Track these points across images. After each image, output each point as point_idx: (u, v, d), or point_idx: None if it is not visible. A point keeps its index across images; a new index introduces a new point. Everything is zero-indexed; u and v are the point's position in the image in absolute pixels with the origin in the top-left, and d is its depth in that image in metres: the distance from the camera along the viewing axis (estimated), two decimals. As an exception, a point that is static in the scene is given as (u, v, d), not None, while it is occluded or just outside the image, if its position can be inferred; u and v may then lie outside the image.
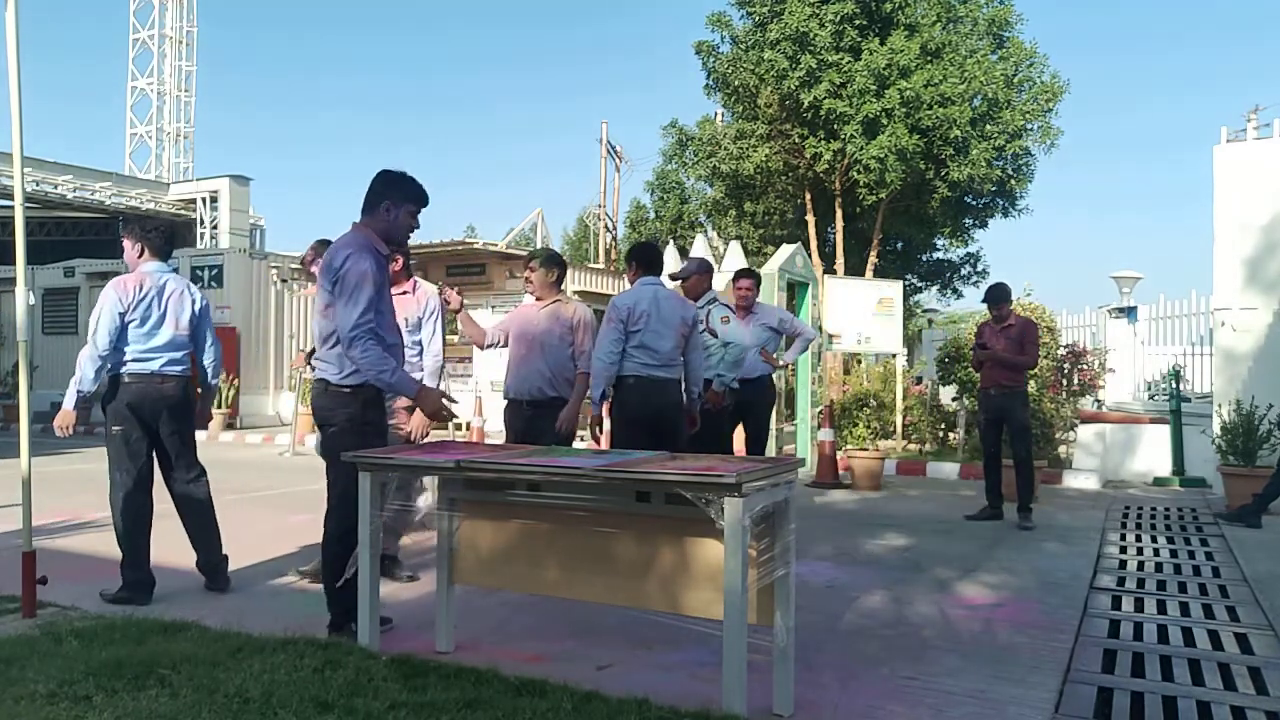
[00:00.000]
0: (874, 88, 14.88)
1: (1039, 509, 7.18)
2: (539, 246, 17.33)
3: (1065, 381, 10.08)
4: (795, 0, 15.26)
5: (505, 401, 5.03)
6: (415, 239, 4.06)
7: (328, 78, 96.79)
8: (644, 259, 5.07)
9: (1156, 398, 12.87)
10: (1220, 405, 8.58)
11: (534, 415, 4.81)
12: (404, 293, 4.71)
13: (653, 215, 28.30)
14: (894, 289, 11.98)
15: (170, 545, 5.28)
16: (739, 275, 6.58)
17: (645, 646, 3.64)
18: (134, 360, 4.35)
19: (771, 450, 7.85)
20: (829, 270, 16.10)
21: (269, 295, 17.30)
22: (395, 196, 3.66)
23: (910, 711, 3.01)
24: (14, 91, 3.76)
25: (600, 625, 3.92)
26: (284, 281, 18.06)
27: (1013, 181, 17.41)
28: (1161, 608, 4.43)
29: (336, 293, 3.51)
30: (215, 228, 24.63)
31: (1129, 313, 13.13)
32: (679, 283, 6.01)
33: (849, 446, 9.24)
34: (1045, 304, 10.70)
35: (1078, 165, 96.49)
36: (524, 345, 4.88)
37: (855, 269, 17.88)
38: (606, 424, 4.89)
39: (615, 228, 30.86)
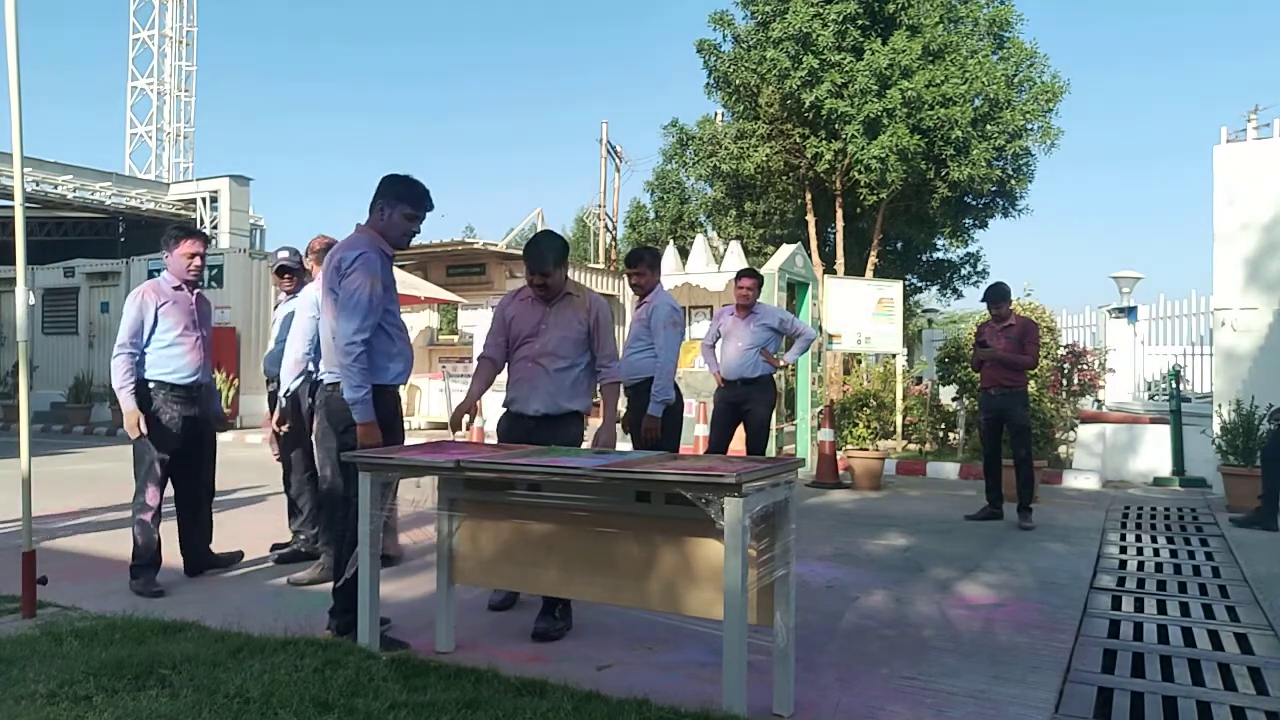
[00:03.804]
0: (875, 88, 14.86)
1: (1039, 509, 7.18)
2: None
3: (1065, 381, 10.08)
4: (799, -1, 15.25)
5: (503, 410, 4.24)
6: (416, 239, 3.99)
7: (327, 79, 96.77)
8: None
9: (1156, 398, 12.88)
10: (1220, 405, 8.58)
11: (537, 427, 4.05)
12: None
13: (653, 215, 28.28)
14: (894, 289, 11.98)
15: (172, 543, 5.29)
16: (740, 275, 6.57)
17: (645, 646, 3.63)
18: None
19: (771, 450, 7.85)
20: (829, 270, 16.09)
21: (269, 295, 17.28)
22: (389, 198, 3.64)
23: (910, 711, 3.01)
24: (14, 91, 3.75)
25: (600, 625, 3.92)
26: (284, 281, 18.02)
27: (1013, 181, 17.41)
28: (1161, 608, 4.43)
29: (340, 296, 3.49)
30: (215, 228, 24.62)
31: (1129, 313, 13.13)
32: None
33: (849, 446, 9.24)
34: (1045, 304, 10.73)
35: (1078, 165, 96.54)
36: (531, 354, 4.06)
37: (855, 269, 17.87)
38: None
39: (615, 228, 30.85)
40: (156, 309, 4.46)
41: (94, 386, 16.70)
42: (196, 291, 4.64)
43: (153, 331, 4.46)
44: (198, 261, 4.57)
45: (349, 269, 3.49)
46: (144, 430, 4.39)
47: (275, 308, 5.57)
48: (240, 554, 5.03)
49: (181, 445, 4.53)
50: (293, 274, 5.38)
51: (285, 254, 5.42)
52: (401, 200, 3.65)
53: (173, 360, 4.48)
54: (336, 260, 3.55)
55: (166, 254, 4.56)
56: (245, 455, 11.87)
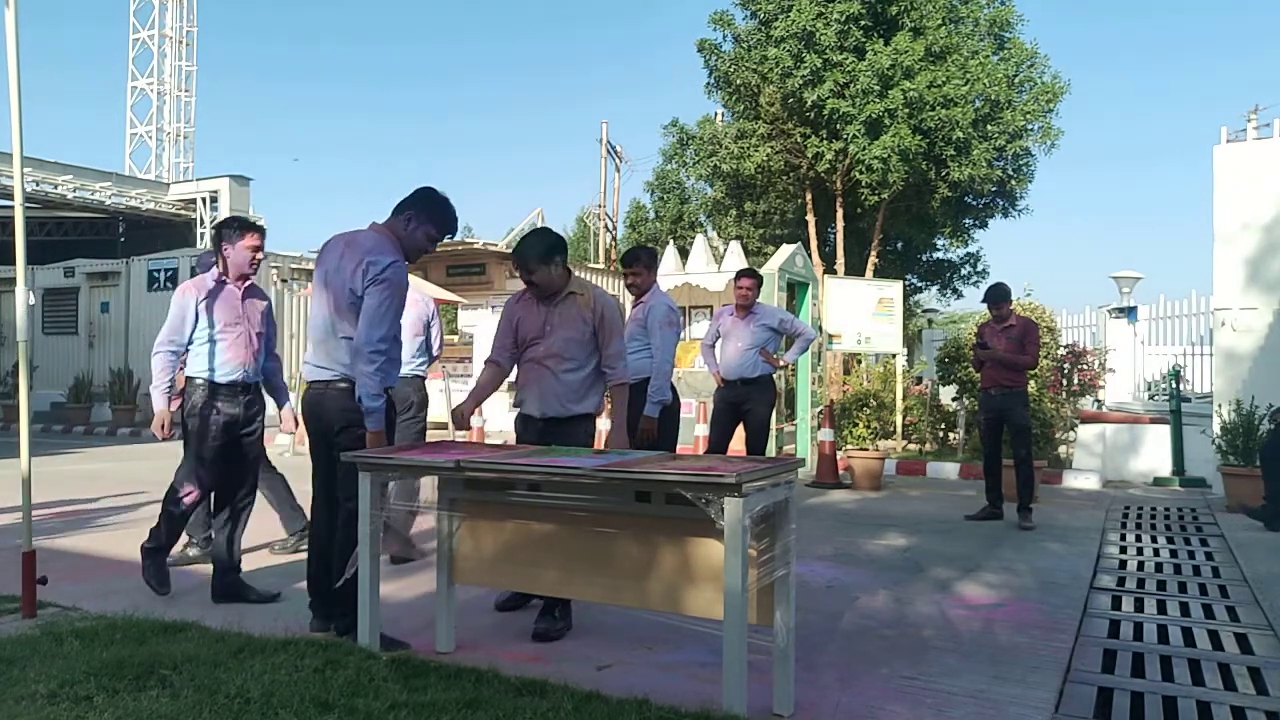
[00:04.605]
0: (877, 88, 14.86)
1: (1039, 509, 7.18)
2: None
3: (1065, 381, 10.09)
4: (803, -2, 15.23)
5: (515, 410, 4.25)
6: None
7: (327, 79, 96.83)
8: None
9: (1156, 398, 12.88)
10: (1220, 405, 8.58)
11: (546, 429, 4.04)
12: None
13: (653, 215, 28.28)
14: (894, 289, 11.98)
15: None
16: (740, 275, 6.58)
17: (645, 646, 3.64)
18: None
19: (771, 450, 7.85)
20: (829, 270, 16.09)
21: (269, 295, 17.30)
22: (420, 213, 3.63)
23: (911, 711, 3.01)
24: (14, 91, 3.76)
25: (600, 625, 3.92)
26: (284, 281, 18.05)
27: (1013, 182, 17.42)
28: (1161, 608, 4.43)
29: (367, 303, 3.44)
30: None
31: (1129, 313, 13.14)
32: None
33: (849, 446, 9.24)
34: (1045, 304, 10.73)
35: (1078, 165, 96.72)
36: (537, 357, 4.01)
37: (855, 269, 17.87)
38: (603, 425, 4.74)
39: (615, 228, 30.85)
40: (197, 305, 4.33)
41: (94, 386, 16.71)
42: (247, 286, 4.49)
43: (194, 328, 4.34)
44: (260, 255, 4.47)
45: (382, 275, 3.44)
46: (167, 432, 4.33)
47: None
48: (278, 595, 4.38)
49: (224, 444, 4.35)
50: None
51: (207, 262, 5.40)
52: (432, 221, 3.65)
53: (213, 357, 4.32)
54: (363, 262, 3.46)
55: (227, 246, 4.37)
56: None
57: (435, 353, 5.69)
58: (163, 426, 4.34)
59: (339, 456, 3.49)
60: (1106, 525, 6.83)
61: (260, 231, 4.51)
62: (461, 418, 3.95)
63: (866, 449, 9.06)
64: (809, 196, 17.90)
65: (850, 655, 3.60)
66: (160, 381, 4.36)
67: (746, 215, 20.08)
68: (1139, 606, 4.46)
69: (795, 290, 10.19)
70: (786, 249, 10.21)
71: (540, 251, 3.91)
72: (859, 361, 14.66)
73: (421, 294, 5.66)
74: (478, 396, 4.08)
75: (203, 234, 24.33)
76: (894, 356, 12.24)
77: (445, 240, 3.84)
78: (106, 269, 18.17)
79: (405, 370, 4.79)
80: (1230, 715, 3.04)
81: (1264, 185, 8.62)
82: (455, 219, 3.72)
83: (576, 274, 4.16)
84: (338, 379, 3.57)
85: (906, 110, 14.83)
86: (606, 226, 30.35)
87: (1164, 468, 9.68)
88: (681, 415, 5.50)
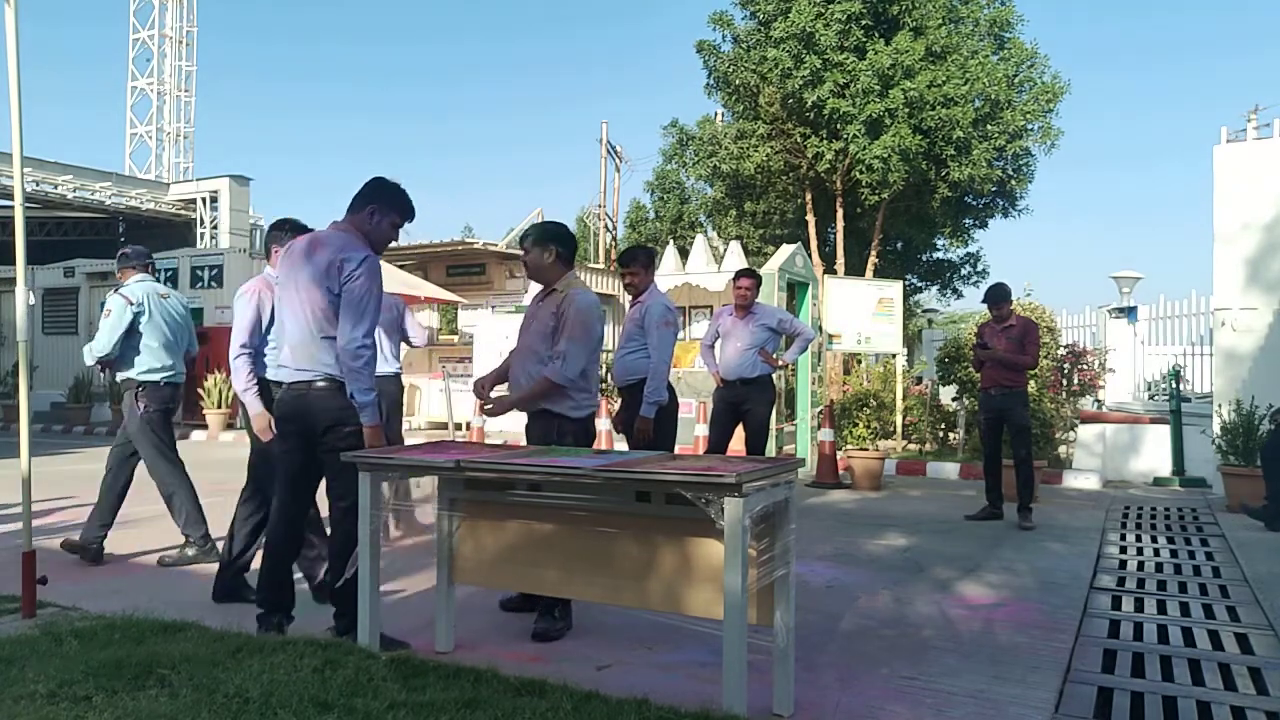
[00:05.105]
0: (878, 88, 14.86)
1: (1039, 509, 7.18)
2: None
3: (1065, 381, 10.09)
4: (802, -1, 15.23)
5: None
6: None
7: (327, 79, 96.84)
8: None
9: (1156, 398, 12.88)
10: (1220, 405, 8.58)
11: (530, 421, 4.17)
12: None
13: (653, 215, 28.29)
14: (894, 289, 11.98)
15: (170, 544, 5.29)
16: (739, 275, 6.57)
17: (645, 646, 3.64)
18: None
19: (771, 450, 7.85)
20: (829, 270, 16.09)
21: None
22: (383, 204, 3.63)
23: (911, 711, 3.01)
24: (14, 91, 3.75)
25: (600, 625, 3.92)
26: (284, 281, 17.98)
27: (1013, 182, 17.42)
28: (1161, 608, 4.43)
29: (346, 300, 3.44)
30: (215, 228, 24.60)
31: (1129, 313, 13.14)
32: None
33: (849, 446, 9.24)
34: (1045, 304, 10.73)
35: (1078, 165, 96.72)
36: (517, 348, 4.21)
37: (855, 269, 17.87)
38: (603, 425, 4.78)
39: (615, 228, 30.85)
40: (273, 306, 4.20)
41: (94, 386, 16.69)
42: None
43: (268, 329, 4.26)
44: None
45: (356, 272, 3.44)
46: (275, 430, 4.08)
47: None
48: None
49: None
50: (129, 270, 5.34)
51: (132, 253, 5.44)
52: (395, 210, 3.66)
53: None
54: (335, 260, 3.46)
55: (277, 248, 4.31)
56: (245, 455, 11.84)
57: (417, 343, 6.06)
58: (268, 426, 4.13)
59: (326, 457, 3.50)
60: (1106, 525, 6.83)
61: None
62: (480, 389, 4.23)
63: (866, 449, 9.05)
64: (809, 196, 17.90)
65: (850, 655, 3.60)
66: (250, 384, 4.26)
67: (746, 215, 20.07)
68: (1139, 606, 4.46)
69: (795, 290, 10.18)
70: (786, 249, 10.21)
71: (539, 234, 4.16)
72: (859, 361, 14.66)
73: (389, 297, 5.51)
74: (497, 375, 4.32)
75: (202, 234, 24.33)
76: (894, 356, 12.23)
77: (405, 226, 3.84)
78: (106, 269, 18.16)
79: (382, 369, 4.82)
80: (1230, 715, 3.04)
81: (1264, 185, 8.61)
82: (412, 204, 3.74)
83: (578, 276, 4.23)
84: (319, 379, 3.53)
85: (907, 110, 14.82)
86: (606, 226, 30.34)
87: (1164, 468, 9.68)
88: (681, 415, 5.49)
